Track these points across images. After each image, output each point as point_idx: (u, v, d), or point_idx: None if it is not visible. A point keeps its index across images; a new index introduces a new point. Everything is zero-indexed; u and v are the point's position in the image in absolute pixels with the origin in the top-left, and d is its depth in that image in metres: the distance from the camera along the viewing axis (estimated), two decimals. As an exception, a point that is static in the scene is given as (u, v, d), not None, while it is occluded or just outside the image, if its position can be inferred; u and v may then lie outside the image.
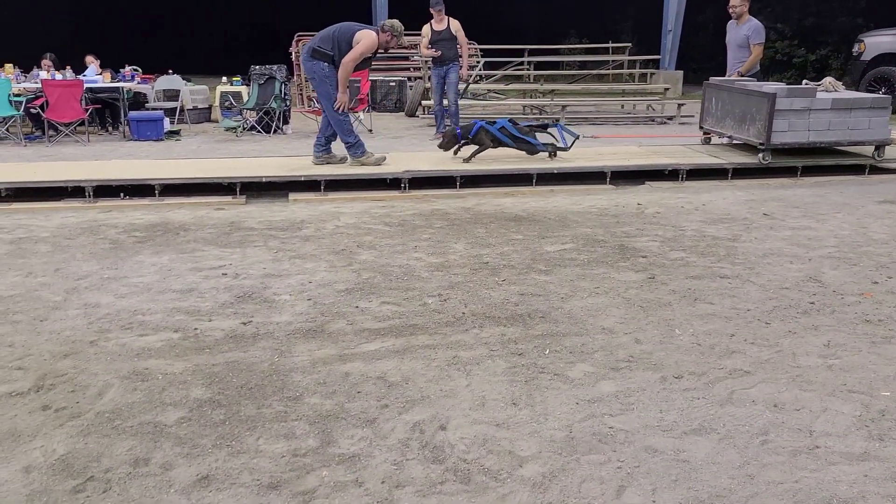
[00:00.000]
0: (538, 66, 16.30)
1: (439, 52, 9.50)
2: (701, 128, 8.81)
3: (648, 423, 2.96)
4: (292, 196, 6.84)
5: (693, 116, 13.31)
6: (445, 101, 9.99)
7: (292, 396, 3.16)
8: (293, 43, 15.03)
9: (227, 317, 4.01)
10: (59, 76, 10.28)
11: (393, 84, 14.18)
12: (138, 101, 11.28)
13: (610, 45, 17.82)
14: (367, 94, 11.26)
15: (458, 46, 9.62)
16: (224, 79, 12.45)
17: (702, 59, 19.64)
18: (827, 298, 4.35)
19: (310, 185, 6.98)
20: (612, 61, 17.33)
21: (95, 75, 10.78)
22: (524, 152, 7.78)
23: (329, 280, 4.61)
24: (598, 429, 2.92)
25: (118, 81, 10.85)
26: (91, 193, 6.60)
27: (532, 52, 16.35)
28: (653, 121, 12.97)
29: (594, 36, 20.46)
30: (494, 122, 7.75)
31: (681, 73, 17.19)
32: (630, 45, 17.57)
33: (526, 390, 3.23)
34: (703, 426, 2.95)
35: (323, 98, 7.26)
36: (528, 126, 7.93)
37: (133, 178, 6.84)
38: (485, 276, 4.68)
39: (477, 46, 15.63)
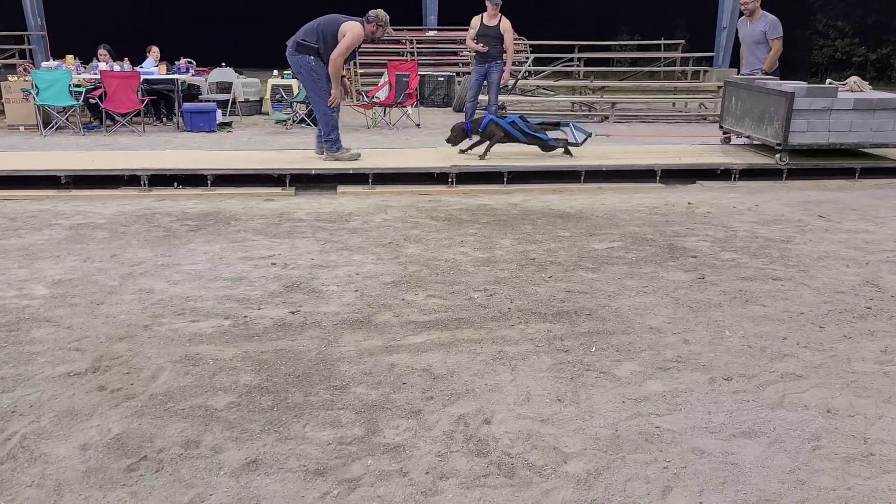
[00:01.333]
0: (588, 62, 16.16)
1: (485, 48, 9.41)
2: (720, 127, 8.61)
3: (696, 424, 2.92)
4: (340, 188, 6.91)
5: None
6: (482, 98, 9.92)
7: (339, 385, 3.19)
8: (344, 37, 15.15)
9: (275, 306, 4.08)
10: (116, 67, 10.55)
11: (441, 79, 14.19)
12: (192, 93, 11.51)
13: (662, 41, 17.58)
14: (416, 89, 11.29)
15: (504, 46, 9.49)
16: (275, 72, 12.59)
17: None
18: (884, 303, 4.23)
19: (358, 178, 7.04)
20: (665, 58, 17.09)
21: (152, 67, 11.03)
22: (537, 147, 7.64)
23: (376, 272, 4.64)
24: (644, 428, 2.89)
25: (173, 73, 11.09)
26: (146, 182, 6.76)
27: (582, 49, 16.23)
28: (705, 119, 12.73)
29: (647, 32, 20.18)
30: (505, 117, 7.66)
31: (734, 70, 16.83)
32: (683, 42, 17.29)
33: (571, 387, 3.21)
34: (753, 429, 2.89)
35: (311, 92, 7.24)
36: (539, 124, 7.81)
37: (186, 168, 6.99)
38: (531, 273, 4.67)
39: (526, 42, 15.57)
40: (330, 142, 7.31)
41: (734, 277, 4.64)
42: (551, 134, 7.74)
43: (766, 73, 8.36)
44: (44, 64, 11.24)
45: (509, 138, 7.52)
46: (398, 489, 2.50)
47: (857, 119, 7.39)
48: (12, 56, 14.34)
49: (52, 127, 9.93)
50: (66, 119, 10.06)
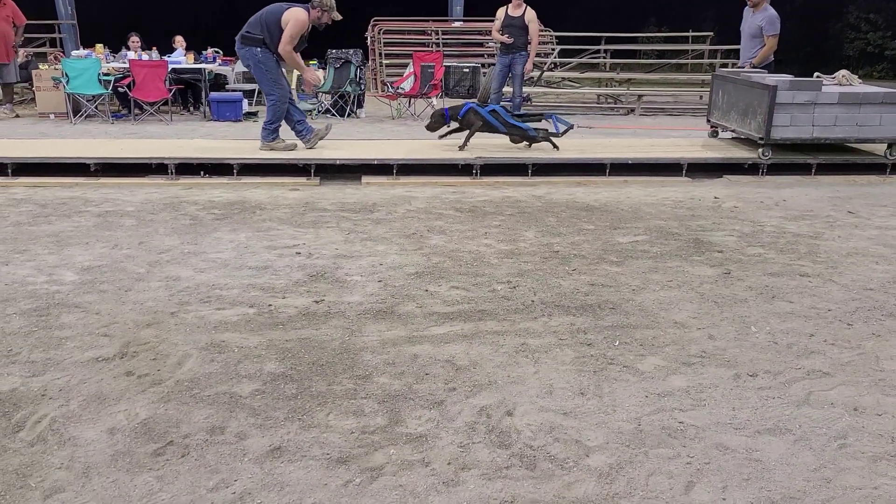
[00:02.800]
0: (615, 54, 16.02)
1: (511, 39, 9.36)
2: (708, 121, 8.46)
3: (720, 420, 2.90)
4: (365, 179, 6.93)
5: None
6: (507, 90, 9.88)
7: (362, 375, 3.21)
8: (369, 27, 15.18)
9: (300, 295, 4.10)
10: (145, 56, 10.65)
11: (466, 70, 14.14)
12: (219, 82, 11.59)
13: (690, 33, 17.34)
14: (441, 80, 11.27)
15: (529, 37, 9.44)
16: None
17: (786, 49, 18.93)
18: (915, 302, 4.16)
19: (382, 169, 7.06)
20: (692, 50, 16.88)
21: (180, 56, 11.12)
22: (516, 138, 7.55)
23: (399, 263, 4.66)
24: (667, 423, 2.88)
25: (201, 63, 11.17)
26: (173, 171, 6.83)
27: (609, 40, 16.08)
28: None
29: (674, 24, 19.93)
30: (486, 105, 7.57)
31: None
32: (711, 33, 17.06)
33: (594, 381, 3.20)
34: (778, 426, 2.87)
35: (261, 84, 7.19)
36: (520, 115, 7.70)
37: (213, 158, 7.05)
38: (555, 265, 4.65)
39: (552, 33, 15.46)
40: (267, 131, 7.27)
41: (761, 273, 4.59)
42: (534, 125, 7.63)
43: (755, 68, 8.25)
44: (74, 53, 11.39)
45: (489, 128, 7.38)
46: (420, 479, 2.52)
47: (842, 113, 7.17)
48: (43, 45, 14.53)
49: (82, 115, 10.06)
50: (96, 107, 10.19)
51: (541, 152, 7.44)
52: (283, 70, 7.35)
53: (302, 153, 7.22)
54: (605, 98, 13.23)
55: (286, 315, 3.82)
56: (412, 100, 11.19)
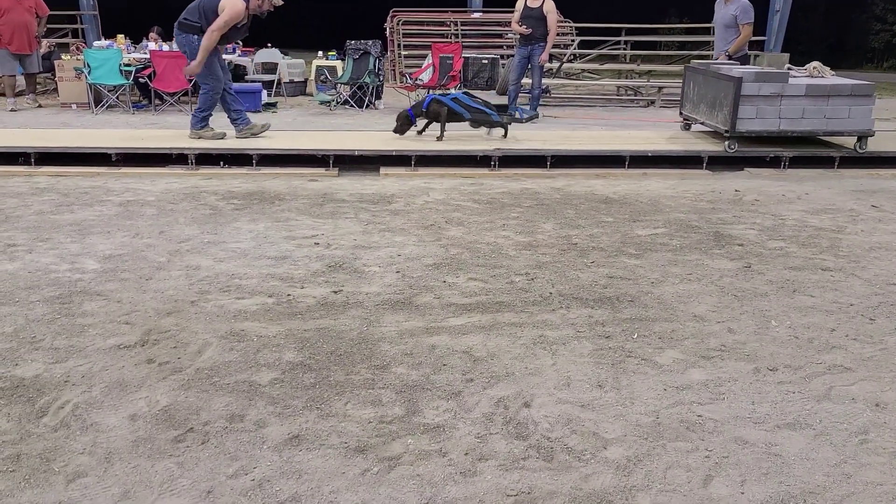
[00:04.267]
0: (635, 45, 15.88)
1: (529, 30, 9.31)
2: (680, 113, 8.36)
3: (739, 414, 2.88)
4: (383, 170, 6.94)
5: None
6: (525, 82, 9.84)
7: (380, 365, 3.23)
8: (388, 18, 15.16)
9: (318, 285, 4.12)
10: (166, 47, 10.72)
11: (485, 62, 14.09)
12: (238, 73, 11.63)
13: (712, 24, 17.16)
14: (459, 72, 11.24)
15: (547, 28, 9.38)
16: (320, 53, 12.68)
17: (810, 41, 18.69)
18: (939, 297, 4.11)
19: (400, 160, 7.06)
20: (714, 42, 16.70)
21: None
22: (481, 125, 7.52)
23: (417, 254, 4.66)
24: (686, 416, 2.87)
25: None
26: (193, 161, 6.87)
27: (629, 32, 15.94)
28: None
29: (695, 15, 19.72)
30: (448, 94, 7.54)
31: (787, 55, 16.36)
32: (733, 25, 16.86)
33: (612, 373, 3.19)
34: (798, 421, 2.85)
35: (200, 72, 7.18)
36: (483, 101, 7.69)
37: (232, 148, 7.09)
38: (573, 258, 4.64)
39: (572, 24, 15.36)
40: (196, 118, 7.28)
41: (782, 267, 4.55)
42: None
43: (731, 58, 8.15)
44: (95, 43, 11.47)
45: (453, 115, 7.37)
46: (437, 469, 2.52)
47: (809, 106, 7.03)
48: (65, 35, 14.65)
49: (103, 105, 10.15)
50: (117, 98, 10.26)
51: (560, 144, 7.41)
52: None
53: (321, 144, 7.23)
54: (625, 90, 13.13)
55: (305, 305, 3.84)
56: (430, 91, 11.17)
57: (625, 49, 15.82)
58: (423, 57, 13.04)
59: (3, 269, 4.27)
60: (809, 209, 5.91)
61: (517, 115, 7.62)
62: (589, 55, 15.63)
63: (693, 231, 5.24)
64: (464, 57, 12.21)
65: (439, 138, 7.37)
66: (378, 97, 11.19)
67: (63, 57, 10.95)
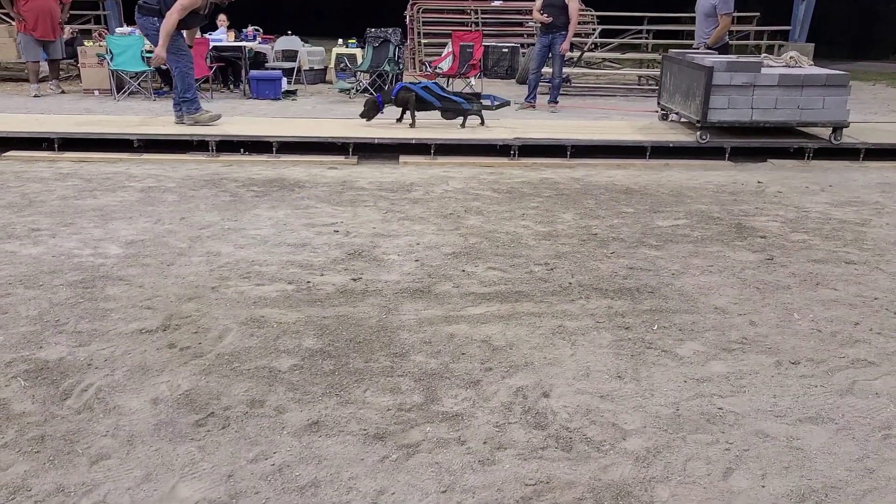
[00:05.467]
0: (657, 34, 15.73)
1: (550, 18, 9.24)
2: (658, 103, 8.24)
3: (760, 408, 2.86)
4: (402, 158, 6.93)
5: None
6: (546, 71, 9.77)
7: (398, 353, 3.23)
8: (408, 6, 15.11)
9: (337, 272, 4.13)
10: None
11: (505, 50, 14.02)
12: (258, 60, 11.65)
13: (735, 13, 16.94)
14: (479, 60, 11.19)
15: (568, 16, 9.29)
16: (340, 41, 12.67)
17: (836, 31, 18.39)
18: (966, 292, 4.04)
19: (420, 149, 7.05)
20: (737, 32, 16.49)
21: (222, 34, 11.21)
22: (449, 113, 7.48)
23: (436, 243, 4.66)
24: (706, 409, 2.85)
25: (241, 41, 11.24)
26: (214, 148, 6.90)
27: (651, 21, 15.79)
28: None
29: (719, 4, 19.46)
30: (418, 83, 7.52)
31: (812, 45, 16.16)
32: (758, 14, 16.64)
33: (632, 364, 3.18)
34: (820, 415, 2.82)
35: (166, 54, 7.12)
36: (457, 93, 7.66)
37: (253, 135, 7.11)
38: (593, 248, 4.61)
39: (594, 13, 15.23)
40: (187, 101, 7.23)
41: (805, 260, 4.50)
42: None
43: (711, 49, 8.02)
44: (118, 30, 11.54)
45: (422, 102, 7.35)
46: (456, 457, 2.53)
47: (782, 96, 6.88)
48: (88, 22, 14.75)
49: (125, 92, 10.21)
50: (139, 84, 10.32)
51: (580, 133, 7.36)
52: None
53: (341, 132, 7.23)
54: (647, 79, 13.01)
55: (324, 292, 3.86)
56: (450, 79, 11.13)
57: (647, 38, 15.68)
58: (443, 45, 12.99)
59: (27, 253, 4.32)
60: (833, 201, 5.84)
61: (487, 103, 7.62)
62: (610, 44, 15.50)
63: (715, 222, 5.20)
64: (484, 45, 12.14)
65: (412, 125, 7.40)
66: (398, 85, 11.15)
67: (86, 43, 11.01)
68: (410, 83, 7.51)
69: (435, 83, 7.59)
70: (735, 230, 5.03)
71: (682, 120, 7.79)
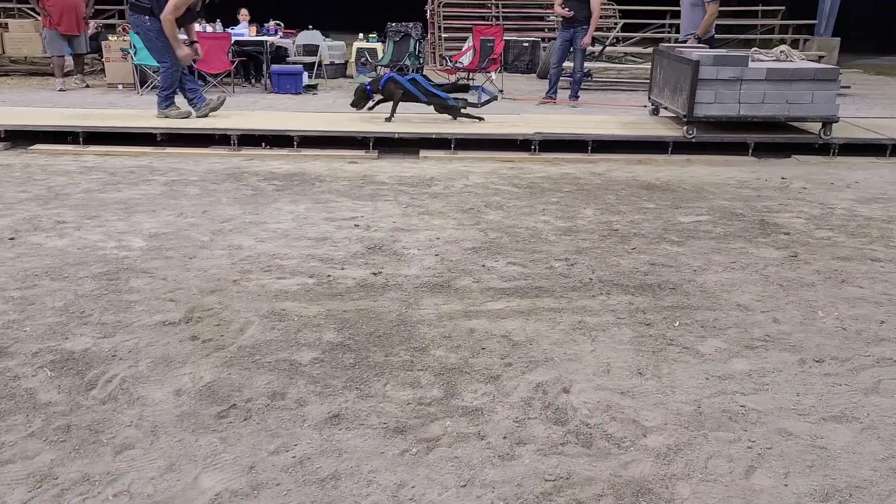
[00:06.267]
0: (679, 28, 15.57)
1: (571, 13, 9.19)
2: (649, 98, 8.14)
3: (783, 406, 2.83)
4: (423, 153, 6.93)
5: (850, 87, 12.40)
6: (567, 64, 9.71)
7: (418, 347, 3.24)
8: (429, 0, 15.09)
9: (358, 266, 4.15)
10: (209, 28, 10.82)
11: (526, 45, 13.95)
12: (279, 54, 11.70)
13: (760, 7, 16.74)
14: (500, 55, 11.15)
15: (590, 10, 9.22)
16: (361, 35, 12.68)
17: (862, 25, 18.12)
18: None
19: (440, 143, 7.04)
20: (761, 26, 16.31)
21: (244, 29, 11.27)
22: (437, 108, 7.47)
23: (456, 237, 4.66)
24: (728, 406, 2.83)
25: (263, 35, 11.29)
26: (236, 142, 6.95)
27: (675, 14, 15.63)
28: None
29: (743, -3, 19.26)
30: (406, 74, 7.48)
31: (838, 40, 15.93)
32: (783, 8, 16.44)
33: (653, 361, 3.16)
34: (844, 414, 2.79)
35: (152, 51, 7.22)
36: (443, 85, 7.62)
37: (274, 129, 7.14)
38: (614, 244, 4.59)
39: (616, 7, 15.12)
40: (161, 98, 7.31)
41: (829, 257, 4.44)
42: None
43: (700, 40, 7.90)
44: (141, 25, 11.60)
45: (408, 96, 7.34)
46: (475, 452, 2.53)
47: (770, 90, 6.76)
48: (112, 16, 14.89)
49: (149, 86, 10.29)
50: (161, 79, 10.39)
51: (601, 129, 7.32)
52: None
53: (361, 126, 7.25)
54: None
55: (344, 286, 3.87)
56: (470, 74, 11.11)
57: (669, 32, 15.54)
58: (464, 39, 12.97)
59: (53, 245, 4.38)
60: (859, 198, 5.76)
61: (474, 99, 7.62)
62: (632, 38, 15.38)
63: (737, 219, 5.15)
64: (505, 39, 12.10)
65: (388, 119, 7.40)
66: (418, 80, 11.15)
67: (110, 38, 11.11)
68: (397, 75, 7.52)
69: (423, 76, 7.58)
70: (758, 226, 4.98)
71: (670, 115, 7.72)
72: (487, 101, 7.67)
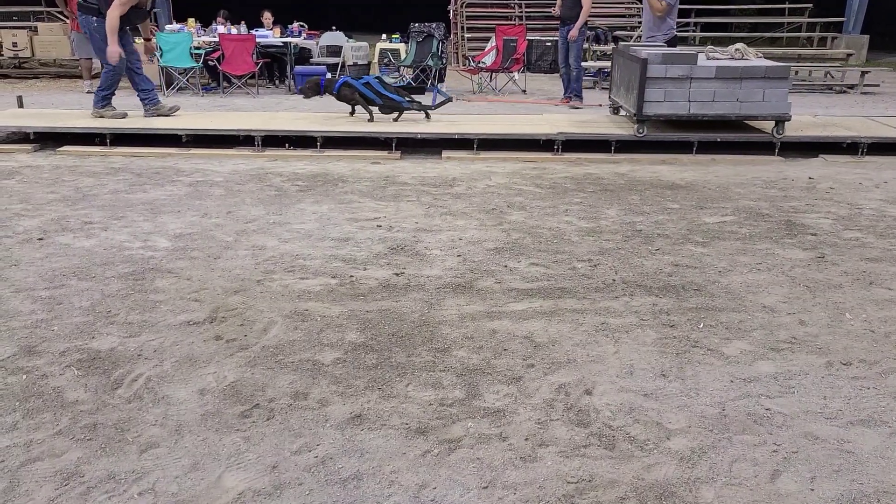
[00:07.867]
0: (704, 27, 15.44)
1: (558, 11, 9.26)
2: (609, 97, 8.04)
3: (810, 409, 2.79)
4: (445, 153, 6.93)
5: (878, 85, 12.22)
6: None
7: (440, 348, 3.24)
8: (452, 1, 15.10)
9: (380, 267, 4.16)
10: (234, 31, 10.92)
11: (549, 44, 13.90)
12: (303, 56, 11.77)
13: (787, 5, 16.54)
14: (523, 55, 11.12)
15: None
16: (384, 36, 12.72)
17: (892, 22, 17.82)
18: None
19: (462, 143, 7.04)
20: (789, 23, 16.11)
21: (268, 31, 11.35)
22: (390, 110, 7.49)
23: (479, 238, 4.65)
24: (753, 409, 2.79)
25: (287, 37, 11.37)
26: (260, 143, 7.00)
27: (700, 13, 15.50)
28: (831, 89, 11.97)
29: (769, -5, 19.04)
30: (360, 78, 7.52)
31: (866, 37, 15.70)
32: (810, 5, 16.22)
33: (677, 363, 3.13)
34: (873, 417, 2.74)
35: (97, 52, 7.23)
36: (402, 87, 7.61)
37: (297, 130, 7.19)
38: (637, 244, 4.56)
39: (639, 5, 15.00)
40: (98, 98, 7.35)
41: (857, 258, 4.37)
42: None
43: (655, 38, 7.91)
44: (167, 27, 11.77)
45: (365, 99, 7.41)
46: (497, 453, 2.53)
47: (721, 89, 6.64)
48: (139, 20, 15.05)
49: (174, 87, 10.41)
50: (187, 80, 10.51)
51: (623, 129, 7.27)
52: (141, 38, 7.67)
53: (383, 127, 7.27)
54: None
55: (367, 286, 3.88)
56: (493, 74, 11.10)
57: (694, 31, 15.40)
58: (487, 40, 12.95)
59: (80, 245, 4.44)
60: (888, 198, 5.66)
61: (428, 102, 7.67)
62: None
63: (763, 219, 5.09)
64: (528, 39, 12.06)
65: (370, 120, 7.50)
66: (441, 80, 11.17)
67: (136, 41, 11.23)
68: (352, 79, 7.62)
69: (377, 78, 7.64)
70: (784, 227, 4.92)
71: (623, 114, 7.64)
72: (442, 103, 7.70)
